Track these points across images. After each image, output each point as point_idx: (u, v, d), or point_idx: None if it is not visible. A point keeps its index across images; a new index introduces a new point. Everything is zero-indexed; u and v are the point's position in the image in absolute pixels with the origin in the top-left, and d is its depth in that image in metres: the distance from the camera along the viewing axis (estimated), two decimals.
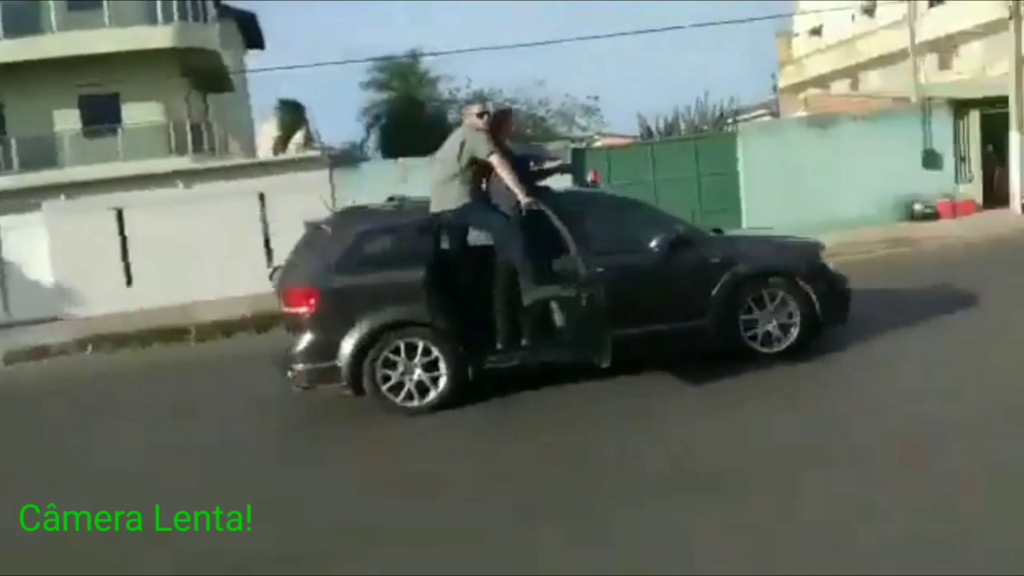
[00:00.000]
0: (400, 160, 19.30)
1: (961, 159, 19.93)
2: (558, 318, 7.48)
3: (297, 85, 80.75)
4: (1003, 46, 20.03)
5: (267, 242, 18.19)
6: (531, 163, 7.57)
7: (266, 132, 31.95)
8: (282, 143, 27.13)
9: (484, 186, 7.15)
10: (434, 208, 7.17)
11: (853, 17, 35.81)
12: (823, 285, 7.79)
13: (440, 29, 79.41)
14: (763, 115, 36.00)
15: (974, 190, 19.86)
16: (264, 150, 29.22)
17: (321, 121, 56.98)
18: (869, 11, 34.78)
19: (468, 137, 6.97)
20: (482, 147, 6.85)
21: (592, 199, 8.53)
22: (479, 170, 7.02)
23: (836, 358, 7.62)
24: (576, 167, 9.44)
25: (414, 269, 7.12)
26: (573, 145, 22.81)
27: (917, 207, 19.24)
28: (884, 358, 7.60)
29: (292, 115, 30.28)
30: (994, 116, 19.52)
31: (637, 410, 6.74)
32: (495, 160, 6.79)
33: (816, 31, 39.27)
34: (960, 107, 20.01)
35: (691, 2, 33.93)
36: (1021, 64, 18.70)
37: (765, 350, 7.65)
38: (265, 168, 20.11)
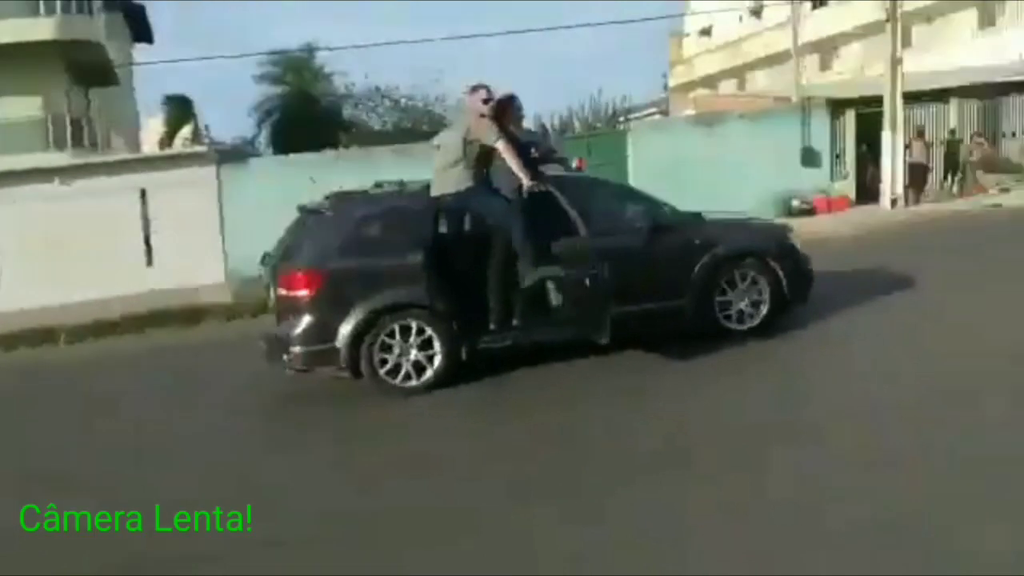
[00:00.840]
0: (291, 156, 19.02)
1: (836, 157, 20.73)
2: (555, 297, 7.78)
3: (188, 81, 78.45)
4: (880, 47, 20.84)
5: (147, 240, 17.56)
6: (532, 149, 7.80)
7: (152, 128, 31.05)
8: (168, 138, 26.40)
9: (486, 172, 7.40)
10: (435, 192, 7.45)
11: (741, 18, 36.90)
12: (790, 264, 8.32)
13: (338, 26, 78.35)
14: (654, 113, 36.77)
15: (848, 187, 20.65)
16: (150, 145, 28.40)
17: (214, 117, 55.71)
18: (756, 13, 35.88)
19: (473, 123, 7.28)
20: (489, 133, 7.14)
21: (588, 184, 8.82)
22: (482, 155, 7.27)
23: (800, 334, 8.16)
24: (566, 159, 9.61)
25: (414, 253, 7.37)
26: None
27: (795, 203, 19.87)
28: (840, 336, 8.19)
29: (179, 110, 29.46)
30: (869, 115, 20.32)
31: (627, 388, 7.06)
32: (501, 146, 7.11)
33: (706, 31, 40.32)
34: (837, 107, 20.76)
35: (590, 1, 34.30)
36: (895, 65, 19.53)
37: (739, 327, 8.10)
38: (149, 164, 19.49)
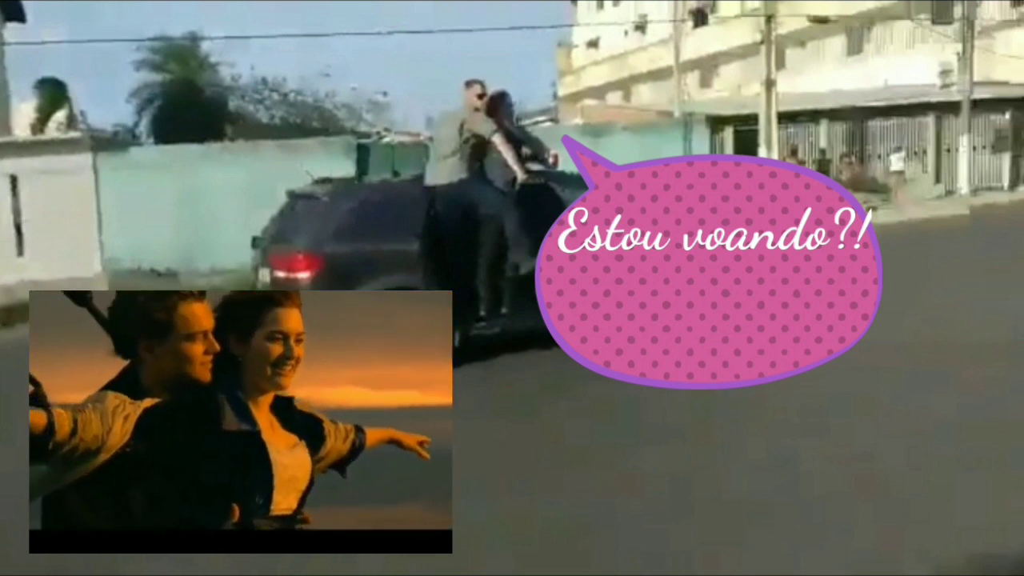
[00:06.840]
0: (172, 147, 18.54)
1: None
2: None
3: (64, 63, 74.87)
4: (757, 68, 21.84)
5: (18, 228, 16.78)
6: (522, 146, 7.95)
7: (24, 112, 29.53)
8: (41, 124, 25.24)
9: (479, 164, 7.60)
10: (429, 181, 7.69)
11: (626, 33, 37.86)
12: None
13: (225, 16, 76.25)
14: (544, 121, 37.31)
15: None
16: (21, 130, 27.03)
17: (91, 102, 53.38)
18: (641, 28, 36.92)
19: (468, 117, 7.52)
20: (484, 126, 7.39)
21: (566, 179, 8.97)
22: (477, 148, 7.49)
23: None
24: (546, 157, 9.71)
25: (410, 239, 7.60)
26: (360, 141, 22.61)
27: None
28: None
29: (53, 93, 28.16)
30: (746, 133, 21.26)
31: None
32: (497, 139, 7.31)
33: (593, 43, 41.19)
34: (717, 123, 21.62)
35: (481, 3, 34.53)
36: (770, 86, 20.51)
37: None
38: (20, 149, 18.70)
